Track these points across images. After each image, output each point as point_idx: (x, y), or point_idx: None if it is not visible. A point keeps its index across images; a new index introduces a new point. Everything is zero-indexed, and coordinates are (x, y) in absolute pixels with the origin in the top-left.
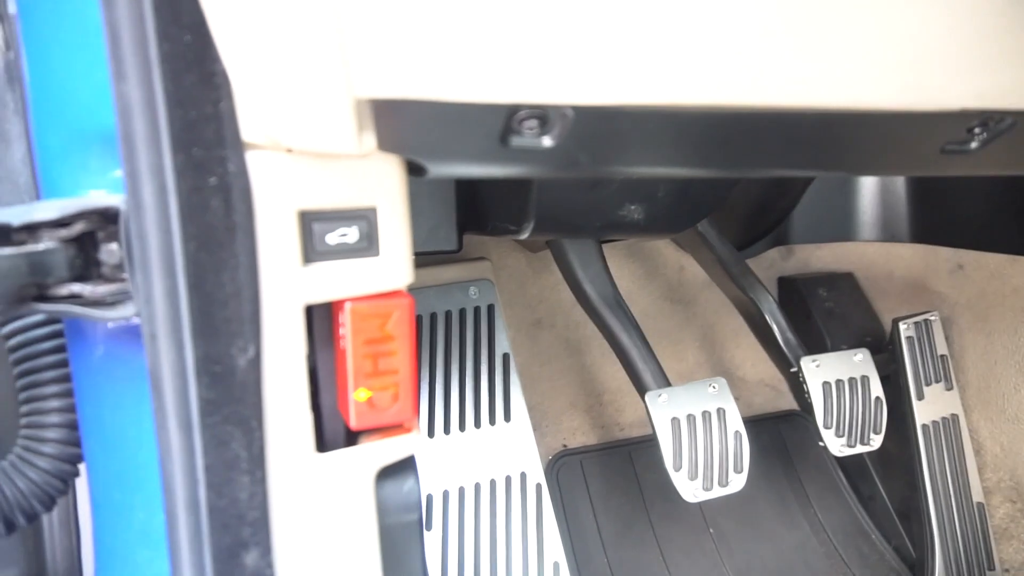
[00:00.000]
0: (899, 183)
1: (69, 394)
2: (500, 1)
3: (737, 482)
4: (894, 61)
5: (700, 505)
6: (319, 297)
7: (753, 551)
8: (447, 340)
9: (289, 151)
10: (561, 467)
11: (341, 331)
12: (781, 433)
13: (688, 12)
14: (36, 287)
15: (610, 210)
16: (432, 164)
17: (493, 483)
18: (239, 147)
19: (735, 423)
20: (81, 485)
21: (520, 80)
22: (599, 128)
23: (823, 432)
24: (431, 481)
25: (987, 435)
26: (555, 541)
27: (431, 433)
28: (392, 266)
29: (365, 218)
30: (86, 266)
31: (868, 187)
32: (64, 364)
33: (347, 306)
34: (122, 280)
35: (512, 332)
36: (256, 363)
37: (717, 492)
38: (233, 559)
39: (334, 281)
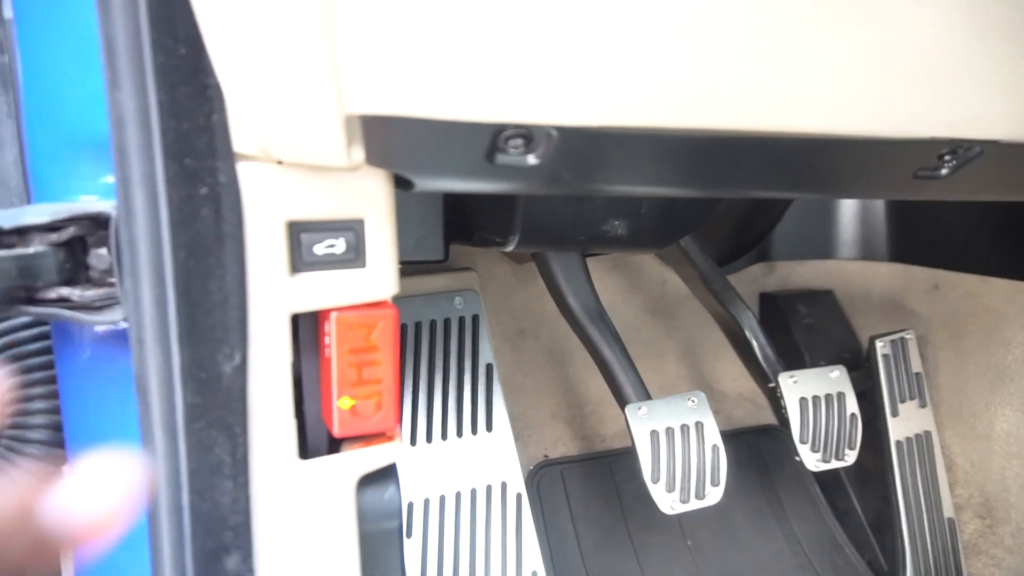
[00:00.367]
0: (878, 204)
1: (54, 396)
2: (489, 23)
3: (714, 495)
4: (867, 90)
5: (678, 516)
6: (305, 306)
7: (729, 562)
8: (431, 349)
9: (279, 163)
10: (542, 477)
11: (326, 340)
12: (760, 446)
13: (670, 39)
14: (25, 290)
15: (594, 225)
16: (419, 178)
17: (474, 492)
18: (230, 158)
19: (713, 437)
20: None
21: (506, 100)
22: (583, 148)
23: (799, 447)
24: (412, 489)
25: (958, 452)
26: (534, 550)
27: (413, 441)
28: (378, 277)
29: (352, 230)
30: (75, 270)
31: (848, 207)
32: (50, 366)
33: (333, 316)
34: (111, 285)
35: (496, 342)
36: (242, 370)
37: (694, 505)
38: (214, 563)
39: (320, 291)
